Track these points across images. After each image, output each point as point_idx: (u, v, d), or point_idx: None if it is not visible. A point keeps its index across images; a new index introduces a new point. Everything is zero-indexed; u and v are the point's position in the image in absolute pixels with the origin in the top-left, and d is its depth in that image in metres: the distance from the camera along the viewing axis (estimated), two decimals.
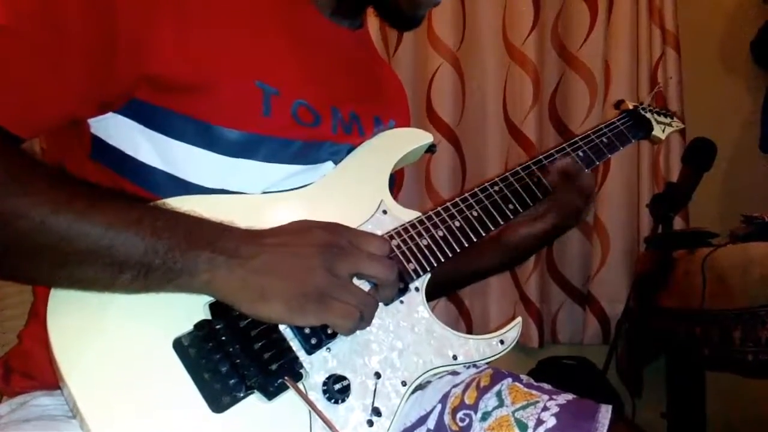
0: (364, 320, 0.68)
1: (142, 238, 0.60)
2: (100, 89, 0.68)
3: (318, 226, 0.69)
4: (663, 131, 1.15)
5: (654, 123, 1.13)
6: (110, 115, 0.71)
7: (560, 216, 0.95)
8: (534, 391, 0.76)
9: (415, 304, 0.78)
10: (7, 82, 0.62)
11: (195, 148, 0.72)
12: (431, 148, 0.92)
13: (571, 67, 2.16)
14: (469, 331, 2.10)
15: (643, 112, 1.13)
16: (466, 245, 0.83)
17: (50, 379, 0.62)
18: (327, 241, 0.67)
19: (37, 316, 0.62)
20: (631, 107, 1.13)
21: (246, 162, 0.74)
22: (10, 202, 0.57)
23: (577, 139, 1.00)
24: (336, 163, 0.84)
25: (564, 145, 0.98)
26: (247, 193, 0.75)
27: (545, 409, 0.73)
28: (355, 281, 0.69)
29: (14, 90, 0.63)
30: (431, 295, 0.82)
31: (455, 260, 0.83)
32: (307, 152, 0.80)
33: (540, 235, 0.96)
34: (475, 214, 0.85)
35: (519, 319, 0.84)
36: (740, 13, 2.27)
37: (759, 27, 2.16)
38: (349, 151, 0.85)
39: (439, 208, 0.84)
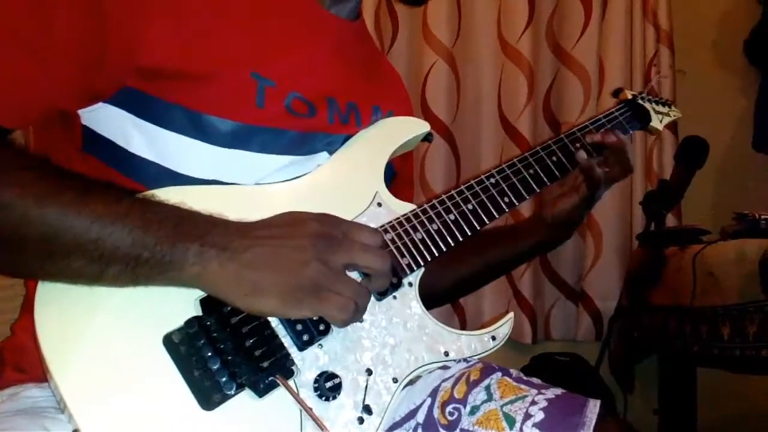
0: (358, 312, 0.68)
1: (130, 231, 0.59)
2: (90, 80, 0.68)
3: (310, 218, 0.68)
4: (661, 121, 1.14)
5: (652, 113, 1.12)
6: (101, 105, 0.71)
7: (594, 191, 0.97)
8: (523, 386, 0.77)
9: (408, 299, 0.78)
10: None
11: (186, 139, 0.72)
12: (427, 137, 0.91)
13: (566, 64, 2.17)
14: (463, 328, 2.11)
15: (641, 102, 1.12)
16: (461, 239, 0.82)
17: (42, 373, 0.62)
18: (320, 232, 0.67)
19: (30, 309, 0.62)
20: (629, 96, 1.11)
21: (239, 153, 0.74)
22: None
23: (575, 130, 0.98)
24: (331, 153, 0.83)
25: (562, 136, 0.97)
26: (240, 184, 0.75)
27: (533, 403, 0.73)
28: (347, 273, 0.69)
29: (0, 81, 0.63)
30: (467, 288, 0.92)
31: (490, 249, 0.88)
32: (301, 143, 0.79)
33: (578, 205, 0.98)
34: (470, 207, 0.85)
35: (511, 314, 0.84)
36: (734, 12, 2.27)
37: (753, 26, 2.16)
38: (344, 142, 0.84)
39: (434, 201, 0.83)
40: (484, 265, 1.02)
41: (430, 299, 0.80)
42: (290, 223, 0.67)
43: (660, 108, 1.15)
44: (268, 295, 0.63)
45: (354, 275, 0.71)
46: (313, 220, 0.68)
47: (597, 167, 0.95)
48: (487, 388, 0.77)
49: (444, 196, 0.84)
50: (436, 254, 0.80)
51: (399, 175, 0.94)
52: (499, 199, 0.87)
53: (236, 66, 0.74)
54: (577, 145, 0.97)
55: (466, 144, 2.14)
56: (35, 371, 0.69)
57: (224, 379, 0.64)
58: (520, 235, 1.02)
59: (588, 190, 0.97)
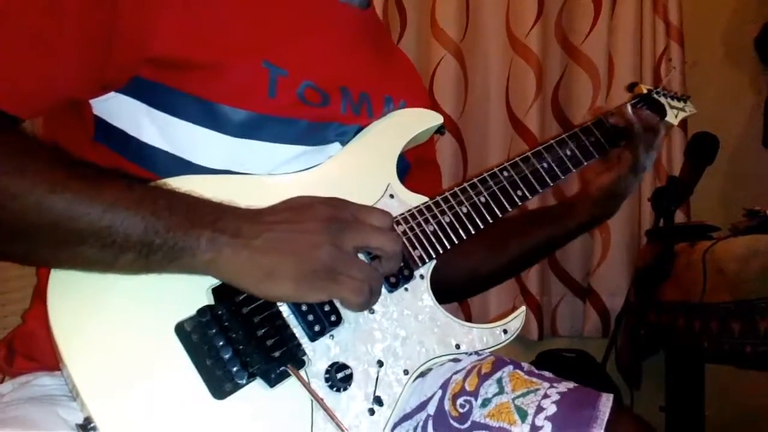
0: (373, 295, 0.68)
1: (142, 218, 0.59)
2: (101, 70, 0.68)
3: (318, 201, 0.68)
4: (676, 116, 1.13)
5: (667, 108, 1.11)
6: (113, 94, 0.71)
7: (636, 156, 0.97)
8: (535, 379, 0.76)
9: (419, 292, 0.78)
10: (2, 64, 0.62)
11: (199, 128, 0.72)
12: (440, 129, 0.90)
13: (575, 60, 2.15)
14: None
15: (656, 96, 1.10)
16: (473, 232, 0.82)
17: (53, 361, 0.62)
18: (330, 215, 0.66)
19: (42, 298, 0.62)
20: (644, 91, 1.10)
21: (251, 142, 0.74)
22: (7, 182, 0.57)
23: (589, 124, 0.98)
24: (343, 144, 0.83)
25: (576, 130, 0.97)
26: (252, 174, 0.75)
27: (546, 396, 0.73)
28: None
29: (10, 71, 0.63)
30: (516, 269, 0.95)
31: (538, 229, 0.94)
32: (313, 133, 0.79)
33: (624, 175, 0.98)
34: (483, 199, 0.84)
35: (523, 308, 0.84)
36: (744, 9, 2.26)
37: (763, 23, 2.15)
38: (357, 132, 0.84)
39: (447, 194, 0.83)
40: (531, 246, 1.02)
41: (473, 284, 0.79)
42: (299, 208, 0.67)
43: (675, 103, 1.14)
44: (282, 280, 0.63)
45: (361, 257, 0.71)
46: (321, 204, 0.68)
47: (637, 122, 0.97)
48: (499, 381, 0.76)
49: (457, 189, 0.84)
50: (448, 246, 0.80)
51: (428, 161, 0.94)
52: (512, 191, 0.87)
53: (248, 55, 0.74)
54: (592, 138, 0.97)
55: (473, 139, 2.13)
56: (46, 360, 0.69)
57: (236, 369, 0.64)
58: (566, 213, 1.02)
59: (632, 153, 0.97)
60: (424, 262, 0.78)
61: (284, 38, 0.78)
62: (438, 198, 0.82)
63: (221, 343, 0.64)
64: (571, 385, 0.76)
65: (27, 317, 0.78)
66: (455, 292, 0.86)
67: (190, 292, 0.65)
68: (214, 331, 0.64)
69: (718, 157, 1.56)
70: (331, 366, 0.68)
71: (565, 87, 2.17)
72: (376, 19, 0.98)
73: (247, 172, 0.74)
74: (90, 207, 0.58)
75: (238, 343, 0.64)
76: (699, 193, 1.67)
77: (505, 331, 0.82)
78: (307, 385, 0.66)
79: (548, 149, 0.93)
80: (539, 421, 0.71)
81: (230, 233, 0.62)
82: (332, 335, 0.70)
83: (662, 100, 1.11)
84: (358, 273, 0.66)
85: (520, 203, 0.88)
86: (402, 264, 0.76)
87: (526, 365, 0.81)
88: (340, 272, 0.65)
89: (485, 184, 0.85)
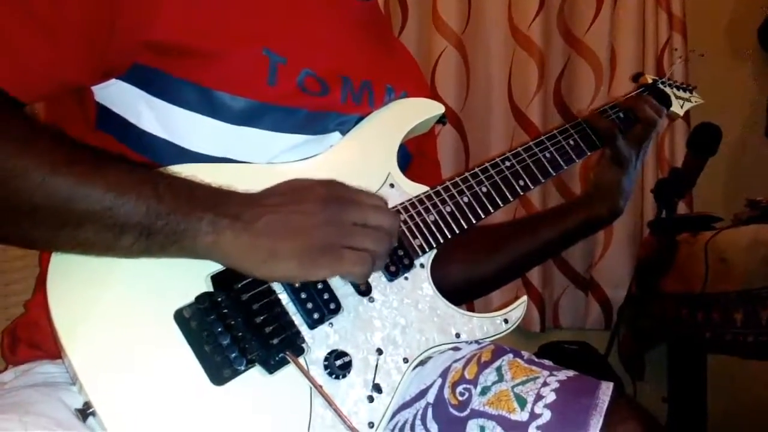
0: (377, 261, 0.68)
1: (144, 200, 0.60)
2: (101, 56, 0.68)
3: (317, 183, 0.69)
4: (681, 106, 1.12)
5: (673, 98, 1.10)
6: (113, 81, 0.71)
7: (613, 147, 0.97)
8: (534, 367, 0.76)
9: (419, 280, 0.78)
10: (4, 47, 0.62)
11: (197, 116, 0.72)
12: (441, 119, 0.90)
13: (577, 51, 2.14)
14: None
15: (662, 87, 1.10)
16: (474, 222, 0.82)
17: (56, 349, 0.62)
18: (327, 194, 0.67)
19: (44, 286, 0.62)
20: (650, 81, 1.09)
21: (250, 130, 0.74)
22: (11, 162, 0.57)
23: (592, 114, 0.97)
24: (343, 134, 0.83)
25: (579, 120, 0.97)
26: (252, 162, 0.75)
27: (545, 384, 0.72)
28: None
29: (12, 54, 0.63)
30: (517, 272, 0.94)
31: (542, 229, 0.93)
32: (312, 122, 0.79)
33: (607, 166, 0.98)
34: (484, 189, 0.84)
35: (524, 297, 0.84)
36: None
37: (766, 13, 2.14)
38: (357, 122, 0.84)
39: (447, 183, 0.83)
40: (531, 246, 0.99)
41: (473, 287, 0.79)
42: (297, 189, 0.68)
43: (681, 93, 1.13)
44: (285, 260, 0.64)
45: None
46: (319, 185, 0.68)
47: (602, 118, 0.96)
48: (499, 369, 0.76)
49: (458, 178, 0.84)
50: (449, 236, 0.80)
51: (425, 156, 0.94)
52: (513, 181, 0.87)
53: (248, 43, 0.74)
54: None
55: (475, 131, 2.12)
56: (49, 347, 0.70)
57: (234, 355, 0.64)
58: (570, 211, 1.00)
59: (609, 149, 0.96)
60: (424, 252, 0.78)
61: (285, 26, 0.77)
62: (439, 187, 0.82)
63: (220, 330, 0.64)
64: (570, 373, 0.76)
65: (30, 306, 0.78)
66: (455, 295, 0.86)
67: (189, 280, 0.65)
68: (212, 317, 0.64)
69: (721, 148, 1.55)
70: (330, 353, 0.68)
71: (568, 78, 2.16)
72: (377, 10, 0.98)
73: (246, 160, 0.75)
74: (92, 188, 0.58)
75: (236, 329, 0.65)
76: (702, 184, 1.66)
77: (506, 321, 0.82)
78: (305, 372, 0.66)
79: (551, 138, 0.92)
80: (538, 409, 0.71)
81: (231, 217, 0.63)
82: (331, 323, 0.70)
83: (667, 90, 1.10)
84: (360, 242, 0.66)
85: (522, 193, 0.87)
86: (402, 253, 0.76)
87: (525, 354, 0.80)
88: (342, 246, 0.66)
89: (486, 174, 0.85)
